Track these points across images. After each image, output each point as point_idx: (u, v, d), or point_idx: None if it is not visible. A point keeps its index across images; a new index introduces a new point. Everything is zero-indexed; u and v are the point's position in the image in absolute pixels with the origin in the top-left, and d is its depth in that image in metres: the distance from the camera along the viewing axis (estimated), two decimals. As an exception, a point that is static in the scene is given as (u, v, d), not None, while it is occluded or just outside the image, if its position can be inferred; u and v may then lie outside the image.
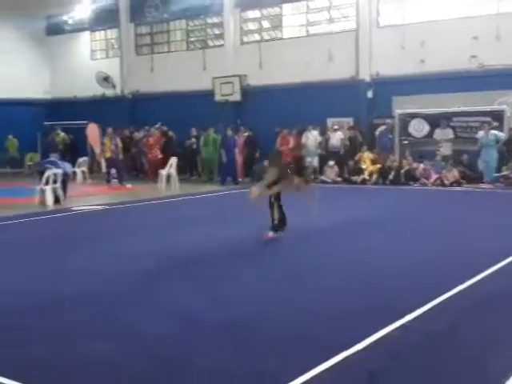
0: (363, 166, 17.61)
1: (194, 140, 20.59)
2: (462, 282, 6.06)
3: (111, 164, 19.12)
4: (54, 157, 15.25)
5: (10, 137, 23.22)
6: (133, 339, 4.72)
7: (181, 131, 20.71)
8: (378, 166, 17.52)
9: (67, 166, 15.04)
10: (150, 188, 17.65)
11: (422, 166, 16.83)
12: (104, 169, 19.85)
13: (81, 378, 4.02)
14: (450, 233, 9.37)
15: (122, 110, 23.46)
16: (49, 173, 13.91)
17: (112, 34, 25.03)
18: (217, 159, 19.92)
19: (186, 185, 18.26)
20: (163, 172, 18.22)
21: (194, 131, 20.54)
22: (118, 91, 24.25)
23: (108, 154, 19.03)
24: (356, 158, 17.95)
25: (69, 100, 24.99)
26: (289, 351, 4.36)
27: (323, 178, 18.11)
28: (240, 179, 18.93)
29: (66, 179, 14.63)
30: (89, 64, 25.17)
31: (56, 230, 10.81)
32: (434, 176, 16.49)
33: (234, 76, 21.06)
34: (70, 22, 25.05)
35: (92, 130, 22.15)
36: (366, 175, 17.44)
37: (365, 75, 19.14)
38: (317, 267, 7.22)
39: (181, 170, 19.51)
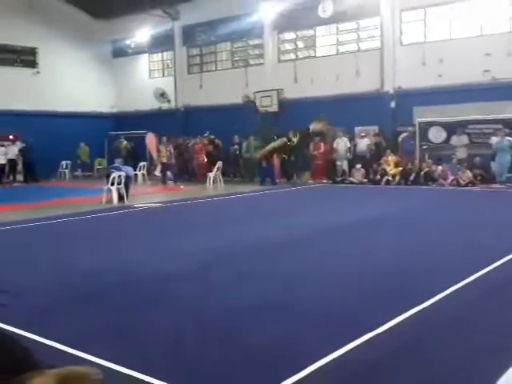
0: (387, 169, 17.50)
1: (236, 146, 20.83)
2: (477, 270, 6.00)
3: (166, 168, 19.51)
4: (117, 162, 15.61)
5: (82, 144, 23.76)
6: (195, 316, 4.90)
7: (225, 139, 20.97)
8: (400, 168, 17.40)
9: (129, 170, 15.44)
10: (199, 188, 17.94)
11: (439, 168, 16.64)
12: (158, 172, 20.23)
13: (154, 346, 4.22)
14: (466, 227, 9.29)
15: (175, 121, 23.84)
16: (114, 175, 14.33)
17: (167, 55, 25.44)
18: (257, 163, 20.05)
19: (229, 185, 18.49)
20: (210, 174, 18.51)
21: (236, 138, 20.78)
22: (172, 105, 24.62)
23: (163, 159, 19.45)
24: (381, 161, 17.85)
25: (131, 113, 25.53)
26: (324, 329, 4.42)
27: (351, 179, 18.11)
28: (277, 180, 19.07)
29: (129, 181, 15.02)
30: (147, 82, 25.66)
31: (121, 224, 11.15)
32: (451, 177, 16.28)
33: (272, 90, 21.18)
34: (132, 45, 25.55)
35: (150, 139, 22.63)
36: (389, 176, 17.33)
37: (388, 88, 19.01)
38: (350, 255, 7.29)
39: (225, 172, 19.77)
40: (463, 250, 7.39)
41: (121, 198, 14.23)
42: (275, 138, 18.58)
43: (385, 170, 17.48)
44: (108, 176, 14.45)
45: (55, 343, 4.13)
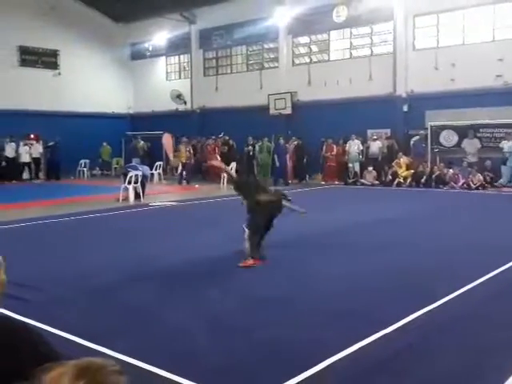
0: (399, 171, 17.38)
1: (250, 147, 20.84)
2: (492, 270, 5.99)
3: (184, 167, 19.59)
4: (135, 162, 15.71)
5: (105, 144, 23.93)
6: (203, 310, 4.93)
7: (240, 140, 21.00)
8: (412, 171, 17.30)
9: (146, 169, 15.51)
10: (213, 188, 17.98)
11: (451, 171, 16.52)
12: (179, 171, 20.17)
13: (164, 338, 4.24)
14: (478, 229, 9.22)
15: (191, 123, 23.91)
16: (131, 174, 14.42)
17: (184, 58, 25.52)
18: (270, 164, 20.11)
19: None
20: (225, 174, 18.52)
21: (250, 140, 20.80)
22: (188, 107, 24.69)
23: (183, 159, 19.53)
24: (393, 163, 17.72)
25: (147, 114, 25.64)
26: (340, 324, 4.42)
27: (363, 181, 18.04)
28: (290, 181, 19.05)
29: (145, 180, 15.10)
30: (164, 84, 25.76)
31: (137, 221, 11.21)
32: (462, 180, 16.16)
33: (286, 93, 21.17)
34: (150, 48, 25.70)
35: (167, 139, 22.72)
36: (401, 179, 17.23)
37: (401, 92, 18.90)
38: (368, 251, 7.27)
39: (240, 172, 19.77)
40: (477, 249, 7.33)
41: (137, 196, 14.32)
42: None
43: (396, 173, 17.38)
44: (125, 175, 14.54)
45: (74, 337, 4.16)
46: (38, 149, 21.58)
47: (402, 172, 17.32)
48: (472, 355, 3.79)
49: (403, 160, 17.49)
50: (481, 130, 16.80)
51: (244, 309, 4.92)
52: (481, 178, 15.85)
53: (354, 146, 18.66)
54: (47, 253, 7.68)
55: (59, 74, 24.00)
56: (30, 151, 21.30)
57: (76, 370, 1.16)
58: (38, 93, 22.50)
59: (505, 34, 16.94)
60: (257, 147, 20.46)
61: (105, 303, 5.18)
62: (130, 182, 14.21)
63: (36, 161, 21.61)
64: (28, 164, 21.32)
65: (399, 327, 4.26)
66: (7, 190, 18.51)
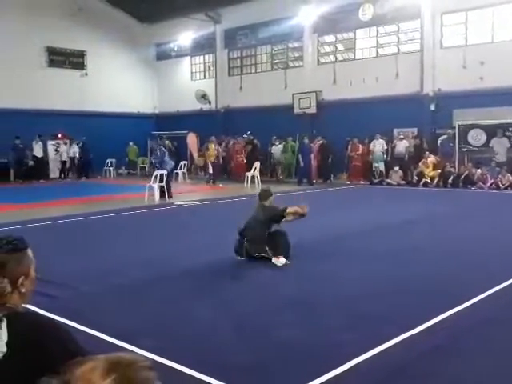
0: (426, 171, 17.13)
1: (274, 147, 20.83)
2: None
3: (213, 167, 19.67)
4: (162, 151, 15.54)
5: (131, 143, 24.23)
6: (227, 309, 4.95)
7: (264, 139, 21.00)
8: (439, 170, 17.05)
9: (169, 164, 15.35)
10: (237, 187, 18.01)
11: (479, 171, 16.23)
12: (210, 170, 20.12)
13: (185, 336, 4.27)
14: (505, 229, 9.06)
15: (215, 122, 24.01)
16: (156, 173, 14.55)
17: (209, 58, 25.65)
18: (294, 163, 20.06)
19: (267, 185, 18.42)
20: (248, 174, 18.56)
21: (277, 140, 20.77)
22: (213, 106, 24.81)
23: (212, 159, 19.59)
24: (420, 163, 17.46)
25: (173, 114, 25.85)
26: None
27: (388, 180, 17.86)
28: (314, 181, 18.98)
29: (169, 179, 15.16)
30: (189, 84, 25.93)
31: (163, 220, 11.31)
32: (490, 180, 15.86)
33: (311, 92, 21.10)
34: (175, 48, 25.93)
35: (191, 139, 22.89)
36: (427, 179, 16.99)
37: (428, 90, 18.66)
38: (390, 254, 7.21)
39: (263, 172, 19.78)
40: (505, 251, 7.19)
41: (163, 194, 14.43)
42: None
43: (422, 173, 17.14)
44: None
45: (100, 333, 4.22)
46: (74, 148, 22.12)
47: (429, 172, 17.09)
48: (500, 359, 3.72)
49: (430, 160, 17.25)
50: (510, 129, 16.48)
51: (266, 309, 4.92)
52: (510, 178, 15.54)
53: (379, 146, 18.50)
54: (74, 250, 7.81)
55: (86, 74, 24.37)
56: (68, 150, 21.85)
57: (107, 365, 1.18)
58: (66, 93, 22.89)
59: (536, 30, 16.58)
60: (276, 147, 20.43)
61: (130, 301, 5.24)
62: (156, 181, 14.34)
63: (72, 160, 22.21)
64: (64, 163, 21.99)
65: (424, 329, 4.21)
66: (36, 188, 18.86)
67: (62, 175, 22.06)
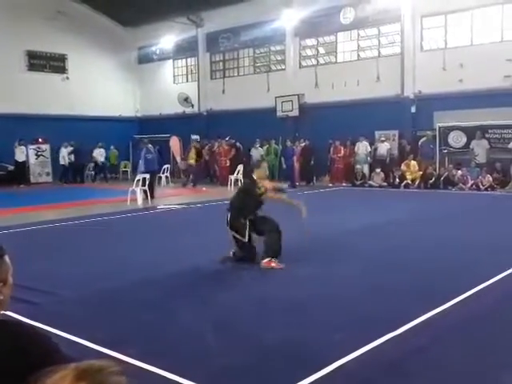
0: (407, 173, 17.29)
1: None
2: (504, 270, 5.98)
3: (192, 170, 19.66)
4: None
5: (112, 148, 24.11)
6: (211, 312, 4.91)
7: (247, 142, 20.99)
8: (420, 172, 17.21)
9: (152, 163, 15.20)
10: (221, 190, 17.96)
11: (459, 172, 16.42)
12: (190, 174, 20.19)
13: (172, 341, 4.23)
14: (486, 228, 9.16)
15: (198, 125, 23.93)
16: (139, 177, 14.44)
17: (191, 61, 25.58)
18: (277, 166, 20.09)
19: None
20: (232, 177, 18.54)
21: (258, 142, 20.78)
22: (195, 109, 24.73)
23: (192, 161, 19.58)
24: (402, 165, 17.59)
25: (155, 117, 25.70)
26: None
27: (371, 182, 17.98)
28: (297, 183, 19.01)
29: (153, 181, 15.03)
30: (172, 87, 25.83)
31: (145, 225, 11.22)
32: (470, 181, 16.05)
33: (293, 95, 21.14)
34: (157, 52, 25.85)
35: (174, 142, 22.79)
36: (409, 180, 17.13)
37: (409, 93, 18.82)
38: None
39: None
40: (487, 250, 7.28)
41: (146, 197, 14.34)
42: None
43: (403, 175, 17.28)
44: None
45: (84, 340, 4.15)
46: (62, 152, 22.02)
47: (410, 174, 17.23)
48: (484, 356, 3.75)
49: (413, 163, 17.39)
50: (489, 131, 16.69)
51: (253, 312, 4.89)
52: (490, 178, 15.74)
53: (362, 148, 18.63)
54: (55, 256, 7.69)
55: (67, 78, 24.14)
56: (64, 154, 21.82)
57: (76, 372, 1.16)
58: (46, 97, 22.63)
59: (513, 34, 16.84)
60: (256, 150, 20.42)
61: (114, 306, 5.17)
62: (138, 185, 14.24)
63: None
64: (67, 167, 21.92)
65: (411, 328, 4.22)
66: (15, 194, 18.58)
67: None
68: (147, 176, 14.50)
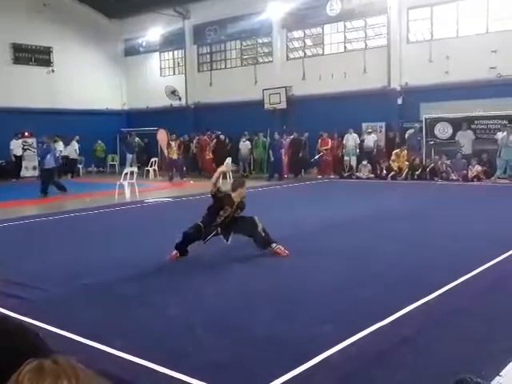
0: (395, 162, 17.27)
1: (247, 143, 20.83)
2: (485, 262, 6.01)
3: (174, 164, 19.62)
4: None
5: (99, 141, 24.02)
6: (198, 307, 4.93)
7: (235, 135, 20.97)
8: (407, 163, 17.32)
9: (48, 162, 14.56)
10: (208, 184, 17.89)
11: (446, 163, 16.56)
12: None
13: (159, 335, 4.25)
14: (470, 219, 9.25)
15: (186, 118, 23.85)
16: (126, 170, 14.38)
17: (178, 54, 25.45)
18: (266, 158, 20.10)
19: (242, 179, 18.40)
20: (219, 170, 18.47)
21: (246, 135, 20.75)
22: (183, 102, 24.62)
23: (174, 156, 19.51)
24: (393, 155, 17.52)
25: (142, 110, 25.58)
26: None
27: (358, 174, 18.07)
28: (285, 176, 19.05)
29: (52, 177, 14.47)
30: (159, 80, 25.68)
31: (133, 218, 11.18)
32: (456, 172, 16.20)
33: (280, 87, 21.12)
34: (144, 44, 25.65)
35: (161, 135, 22.67)
36: (395, 168, 17.15)
37: (395, 85, 18.90)
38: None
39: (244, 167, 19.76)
40: (470, 241, 7.34)
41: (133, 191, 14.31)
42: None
43: (390, 166, 17.34)
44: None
45: (72, 334, 4.16)
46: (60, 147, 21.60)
47: (398, 162, 17.20)
48: (466, 347, 3.81)
49: (403, 153, 17.38)
50: (475, 122, 16.82)
51: (240, 305, 4.92)
52: (479, 168, 15.87)
53: (352, 140, 18.71)
54: (42, 251, 7.66)
55: (53, 71, 23.89)
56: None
57: (53, 373, 1.17)
58: (32, 90, 22.41)
59: (498, 26, 16.94)
60: (243, 143, 20.38)
61: (100, 300, 5.17)
62: (127, 178, 14.19)
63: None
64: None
65: (395, 320, 4.28)
66: (4, 188, 18.40)
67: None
68: (135, 170, 14.44)
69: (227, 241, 6.79)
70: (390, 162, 17.52)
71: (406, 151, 17.43)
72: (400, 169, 17.24)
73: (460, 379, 1.37)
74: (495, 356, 3.59)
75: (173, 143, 19.70)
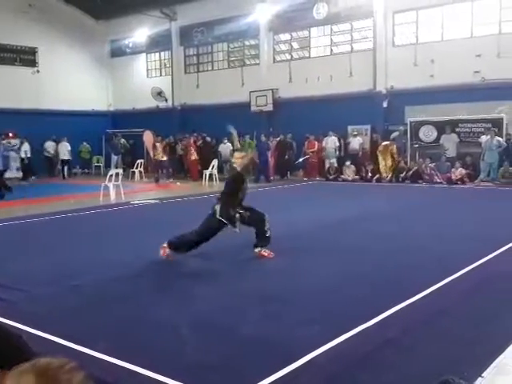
0: (381, 157, 17.22)
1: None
2: (470, 263, 6.08)
3: (160, 165, 19.57)
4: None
5: (84, 143, 23.88)
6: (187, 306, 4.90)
7: (221, 137, 20.91)
8: (391, 165, 17.39)
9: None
10: (195, 186, 17.90)
11: (430, 166, 16.69)
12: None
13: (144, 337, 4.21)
14: (454, 221, 9.33)
15: (172, 120, 23.77)
16: (111, 172, 14.28)
17: (165, 55, 25.37)
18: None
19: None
20: (207, 172, 18.47)
21: (226, 138, 20.63)
22: (169, 104, 24.54)
23: (159, 157, 19.47)
24: (380, 148, 17.43)
25: (128, 111, 25.45)
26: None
27: (344, 176, 18.13)
28: (272, 177, 19.06)
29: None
30: (145, 81, 25.57)
31: (118, 220, 11.11)
32: (441, 175, 16.33)
33: (267, 90, 21.16)
34: (130, 45, 25.54)
35: (147, 137, 22.54)
36: (382, 171, 17.20)
37: (381, 88, 19.03)
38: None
39: (221, 169, 19.74)
40: (455, 243, 7.40)
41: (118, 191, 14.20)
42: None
43: (377, 168, 17.40)
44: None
45: (54, 337, 4.11)
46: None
47: (385, 155, 17.15)
48: (450, 349, 3.82)
49: (393, 147, 17.27)
50: (460, 125, 17.00)
51: (227, 307, 4.90)
52: (463, 171, 16.02)
53: (331, 143, 18.79)
54: (26, 252, 7.57)
55: (38, 71, 23.68)
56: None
57: (36, 372, 1.15)
58: (17, 91, 22.16)
59: (483, 30, 17.16)
60: (224, 145, 20.28)
61: (85, 302, 5.11)
62: (112, 180, 14.09)
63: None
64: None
65: (381, 321, 4.29)
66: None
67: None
68: (120, 171, 14.35)
69: (239, 229, 6.64)
70: (377, 153, 17.38)
71: (394, 146, 17.31)
72: (385, 165, 17.09)
73: (443, 380, 1.38)
74: (478, 357, 3.61)
75: (158, 145, 19.62)
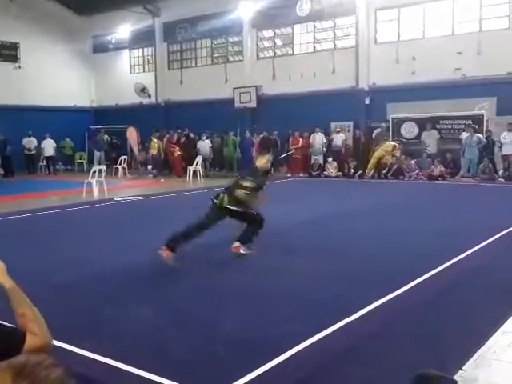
0: (381, 152, 17.10)
1: (218, 140, 20.80)
2: (451, 258, 6.13)
3: (154, 161, 19.61)
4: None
5: (67, 139, 23.63)
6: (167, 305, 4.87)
7: (205, 133, 20.83)
8: (373, 162, 17.45)
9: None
10: (179, 182, 17.82)
11: (412, 162, 16.82)
12: (150, 165, 20.28)
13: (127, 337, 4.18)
14: (439, 218, 9.41)
15: (156, 116, 23.58)
16: (94, 168, 14.13)
17: (148, 51, 25.17)
18: (236, 157, 20.06)
19: (208, 179, 18.31)
20: (191, 168, 18.39)
21: (205, 134, 20.55)
22: (153, 100, 24.36)
23: (153, 152, 19.52)
24: (377, 147, 17.31)
25: (112, 107, 25.22)
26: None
27: (326, 173, 18.19)
28: (255, 174, 19.02)
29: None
30: (128, 77, 25.35)
31: (101, 217, 11.01)
32: (422, 171, 16.48)
33: (251, 86, 21.12)
34: (113, 41, 25.28)
35: (131, 133, 22.40)
36: (370, 167, 17.21)
37: (363, 85, 19.12)
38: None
39: (207, 166, 19.70)
40: (435, 238, 7.46)
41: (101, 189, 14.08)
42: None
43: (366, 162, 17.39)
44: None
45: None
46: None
47: (385, 152, 17.07)
48: (432, 342, 3.86)
49: (388, 143, 17.18)
50: (440, 122, 17.16)
51: (213, 301, 4.89)
52: (442, 168, 16.18)
53: (318, 139, 18.81)
54: (6, 250, 7.44)
55: (19, 67, 23.33)
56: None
57: (14, 370, 1.13)
58: (-2, 86, 21.82)
59: (463, 28, 17.34)
60: (203, 142, 20.21)
61: (68, 300, 5.06)
62: (95, 176, 13.96)
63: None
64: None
65: (362, 315, 4.31)
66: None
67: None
68: (104, 168, 14.22)
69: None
70: (375, 149, 17.30)
71: (399, 151, 16.97)
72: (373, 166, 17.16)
73: (423, 373, 1.38)
74: (458, 350, 3.64)
75: (155, 139, 19.73)
